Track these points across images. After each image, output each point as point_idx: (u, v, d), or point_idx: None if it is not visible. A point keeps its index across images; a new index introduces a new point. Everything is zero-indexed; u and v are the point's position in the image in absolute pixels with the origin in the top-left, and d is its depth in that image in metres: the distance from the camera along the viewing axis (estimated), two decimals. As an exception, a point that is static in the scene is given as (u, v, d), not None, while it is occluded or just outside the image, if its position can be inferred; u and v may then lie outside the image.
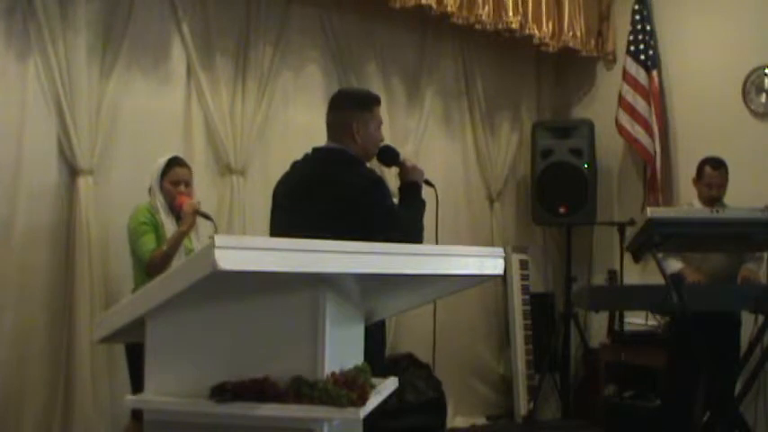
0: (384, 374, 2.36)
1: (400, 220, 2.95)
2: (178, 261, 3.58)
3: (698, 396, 4.42)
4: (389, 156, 3.21)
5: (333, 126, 3.08)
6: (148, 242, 3.62)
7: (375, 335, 2.80)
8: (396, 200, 3.11)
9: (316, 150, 3.11)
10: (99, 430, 4.06)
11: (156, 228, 3.65)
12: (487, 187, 5.95)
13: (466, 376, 5.72)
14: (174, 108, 4.54)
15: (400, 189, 3.13)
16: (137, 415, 3.61)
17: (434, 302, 3.44)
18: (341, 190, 2.93)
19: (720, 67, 5.39)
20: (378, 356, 2.85)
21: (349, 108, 3.07)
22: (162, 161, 3.79)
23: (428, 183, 3.19)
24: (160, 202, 3.71)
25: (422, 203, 3.10)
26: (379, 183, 3.00)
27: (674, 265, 4.37)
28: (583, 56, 5.99)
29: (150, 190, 3.77)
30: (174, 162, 3.79)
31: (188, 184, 3.78)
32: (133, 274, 3.73)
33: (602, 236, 5.98)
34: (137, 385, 3.60)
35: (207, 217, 3.72)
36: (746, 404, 4.26)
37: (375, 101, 3.17)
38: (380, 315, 2.66)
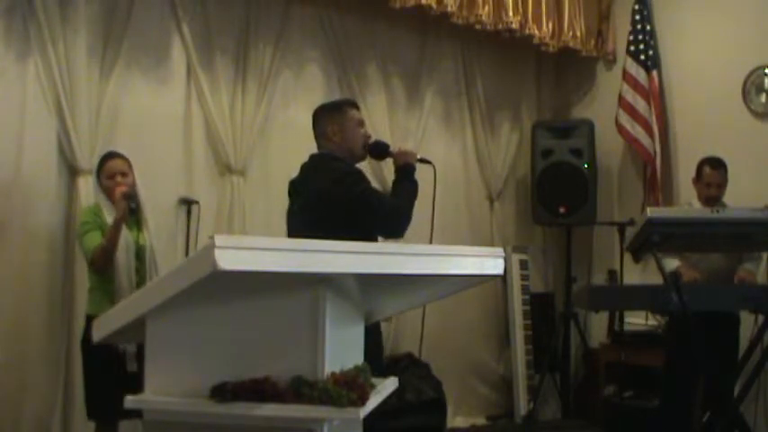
0: (383, 375, 2.36)
1: (377, 204, 3.03)
2: (126, 257, 3.57)
3: (697, 396, 4.41)
4: (379, 149, 3.30)
5: (316, 138, 3.26)
6: (91, 239, 3.58)
7: (371, 335, 2.82)
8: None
9: (309, 157, 3.26)
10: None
11: (101, 226, 3.60)
12: (487, 187, 5.95)
13: (466, 376, 5.72)
14: (174, 108, 4.54)
15: (395, 176, 3.22)
16: (93, 416, 3.59)
17: (424, 305, 3.47)
18: (315, 184, 3.10)
19: (720, 67, 5.39)
20: (376, 356, 2.86)
21: (321, 116, 3.26)
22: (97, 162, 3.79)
23: (423, 161, 3.25)
24: (102, 201, 3.67)
25: (411, 185, 3.16)
26: (352, 173, 3.10)
27: (672, 263, 4.37)
28: (583, 56, 5.98)
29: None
30: (106, 157, 3.75)
31: (124, 174, 3.69)
32: (87, 275, 3.71)
33: (602, 236, 5.98)
34: (89, 382, 3.59)
35: (132, 199, 3.59)
36: (746, 404, 4.26)
37: (345, 103, 3.36)
38: (380, 315, 2.66)
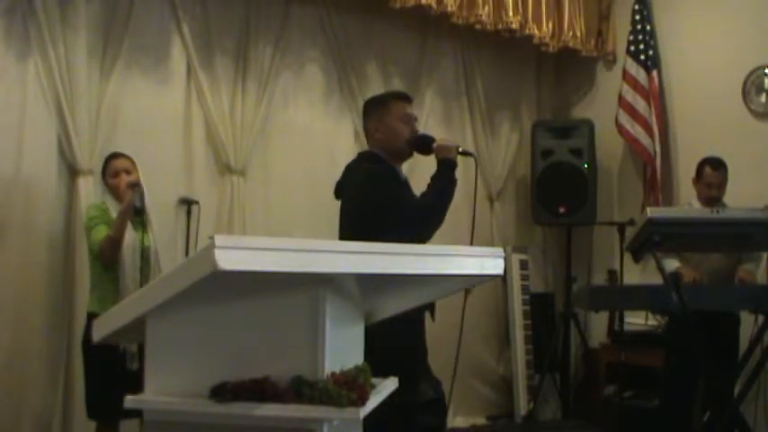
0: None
1: (402, 205, 2.95)
2: (132, 256, 3.57)
3: (697, 396, 4.42)
4: (421, 143, 3.10)
5: (364, 134, 3.20)
6: (98, 232, 3.58)
7: (410, 332, 2.83)
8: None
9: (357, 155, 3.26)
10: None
11: (108, 222, 3.61)
12: (487, 187, 5.95)
13: (466, 376, 5.72)
14: (174, 108, 4.54)
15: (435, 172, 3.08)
16: (94, 415, 3.58)
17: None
18: (350, 189, 3.07)
19: (720, 67, 5.39)
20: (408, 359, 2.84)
21: (366, 111, 3.18)
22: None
23: (465, 153, 3.09)
24: (108, 200, 3.69)
25: (447, 185, 2.98)
26: (380, 173, 3.02)
27: (672, 264, 4.37)
28: (583, 56, 5.98)
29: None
30: (110, 157, 3.78)
31: (129, 171, 3.71)
32: (90, 271, 3.71)
33: (602, 236, 5.97)
34: (90, 381, 3.59)
35: (137, 188, 3.61)
36: (746, 404, 4.26)
37: (391, 96, 3.24)
38: (380, 315, 2.66)
